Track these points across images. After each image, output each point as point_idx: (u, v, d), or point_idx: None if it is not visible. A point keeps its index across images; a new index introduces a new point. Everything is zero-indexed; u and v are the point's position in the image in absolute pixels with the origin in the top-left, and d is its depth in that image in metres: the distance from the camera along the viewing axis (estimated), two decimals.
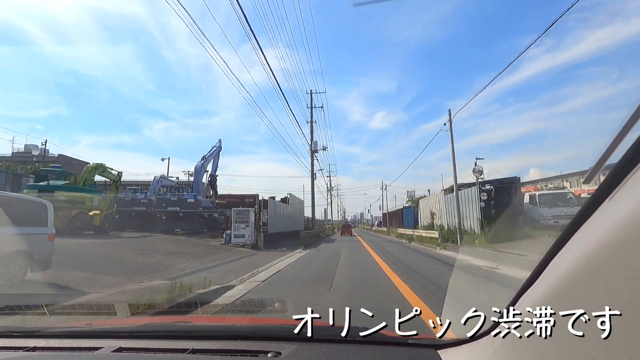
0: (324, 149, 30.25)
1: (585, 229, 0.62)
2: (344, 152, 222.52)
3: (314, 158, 27.80)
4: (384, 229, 47.49)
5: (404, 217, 41.41)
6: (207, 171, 22.94)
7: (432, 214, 24.88)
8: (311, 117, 28.15)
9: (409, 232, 26.18)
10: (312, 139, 27.69)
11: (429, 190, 30.07)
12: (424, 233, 20.74)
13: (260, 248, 16.20)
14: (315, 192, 29.35)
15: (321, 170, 30.67)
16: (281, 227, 22.09)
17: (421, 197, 29.78)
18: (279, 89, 26.54)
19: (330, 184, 59.00)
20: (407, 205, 43.38)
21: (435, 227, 24.24)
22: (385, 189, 55.29)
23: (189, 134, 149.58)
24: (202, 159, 22.16)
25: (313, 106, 28.19)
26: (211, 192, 24.06)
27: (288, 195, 25.56)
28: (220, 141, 25.04)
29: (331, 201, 59.77)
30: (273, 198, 24.65)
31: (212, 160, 23.56)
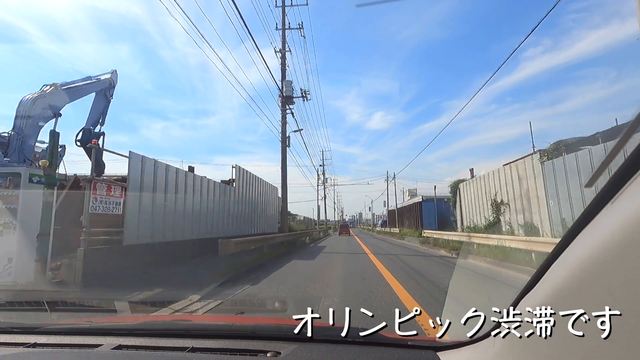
0: (305, 95, 17.82)
1: (588, 231, 0.62)
2: (342, 152, 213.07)
3: (288, 110, 16.25)
4: (393, 229, 36.22)
5: (424, 213, 30.30)
6: (59, 116, 11.66)
7: (498, 204, 13.72)
8: (283, 39, 16.32)
9: (451, 236, 15.02)
10: (283, 77, 16.07)
11: (471, 170, 18.86)
12: (523, 243, 9.03)
13: (56, 301, 5.05)
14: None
15: (300, 131, 18.96)
16: (188, 232, 9.96)
17: (462, 180, 18.53)
18: (275, 84, 14.69)
19: (324, 174, 47.23)
20: (421, 198, 32.37)
21: (504, 226, 13.09)
22: (394, 178, 44.00)
23: (186, 133, 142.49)
24: (46, 87, 10.87)
25: (286, 27, 16.62)
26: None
27: (233, 169, 13.89)
28: (114, 73, 13.73)
29: (325, 195, 47.90)
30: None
31: (92, 104, 12.32)
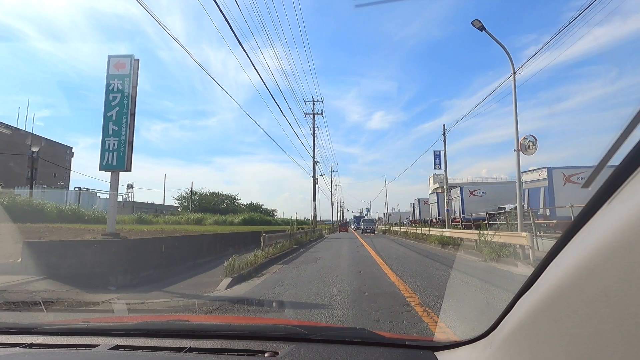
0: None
1: (585, 232, 0.62)
2: (343, 152, 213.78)
3: None
4: None
5: None
6: None
7: None
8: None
9: None
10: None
11: None
12: None
13: None
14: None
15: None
16: None
17: None
18: (268, 89, 13.77)
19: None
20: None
21: None
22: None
23: (186, 135, 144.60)
24: None
25: None
26: None
27: None
28: None
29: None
30: None
31: None
